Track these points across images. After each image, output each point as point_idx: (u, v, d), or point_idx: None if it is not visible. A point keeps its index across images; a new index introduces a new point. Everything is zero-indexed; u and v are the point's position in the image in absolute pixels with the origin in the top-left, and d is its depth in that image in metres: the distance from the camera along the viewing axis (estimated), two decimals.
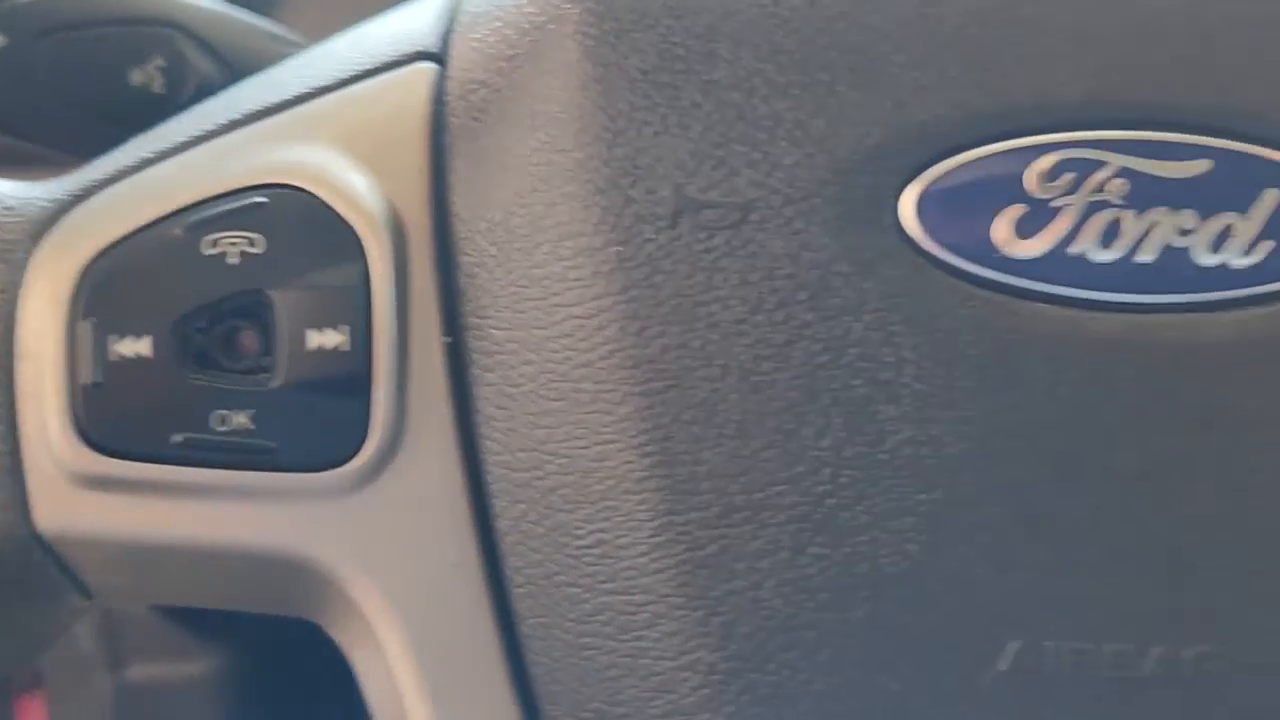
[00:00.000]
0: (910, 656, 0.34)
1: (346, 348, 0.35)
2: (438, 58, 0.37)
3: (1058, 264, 0.33)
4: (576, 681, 0.36)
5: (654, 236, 0.34)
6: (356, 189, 0.35)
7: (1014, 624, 0.34)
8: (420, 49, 0.38)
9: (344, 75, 0.38)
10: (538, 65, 0.35)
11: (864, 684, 0.34)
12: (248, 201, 0.35)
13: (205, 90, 0.45)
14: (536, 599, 0.36)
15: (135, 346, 0.35)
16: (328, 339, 0.35)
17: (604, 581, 0.35)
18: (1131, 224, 0.33)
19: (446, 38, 0.38)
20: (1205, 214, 0.33)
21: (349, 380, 0.35)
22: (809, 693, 0.34)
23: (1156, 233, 0.33)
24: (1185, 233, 0.33)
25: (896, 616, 0.34)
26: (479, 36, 0.37)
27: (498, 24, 0.36)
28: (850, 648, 0.34)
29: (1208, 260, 0.33)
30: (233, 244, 0.35)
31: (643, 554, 0.34)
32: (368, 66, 0.38)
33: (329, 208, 0.35)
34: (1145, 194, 0.33)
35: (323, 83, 0.38)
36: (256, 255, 0.35)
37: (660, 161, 0.34)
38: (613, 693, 0.35)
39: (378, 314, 0.35)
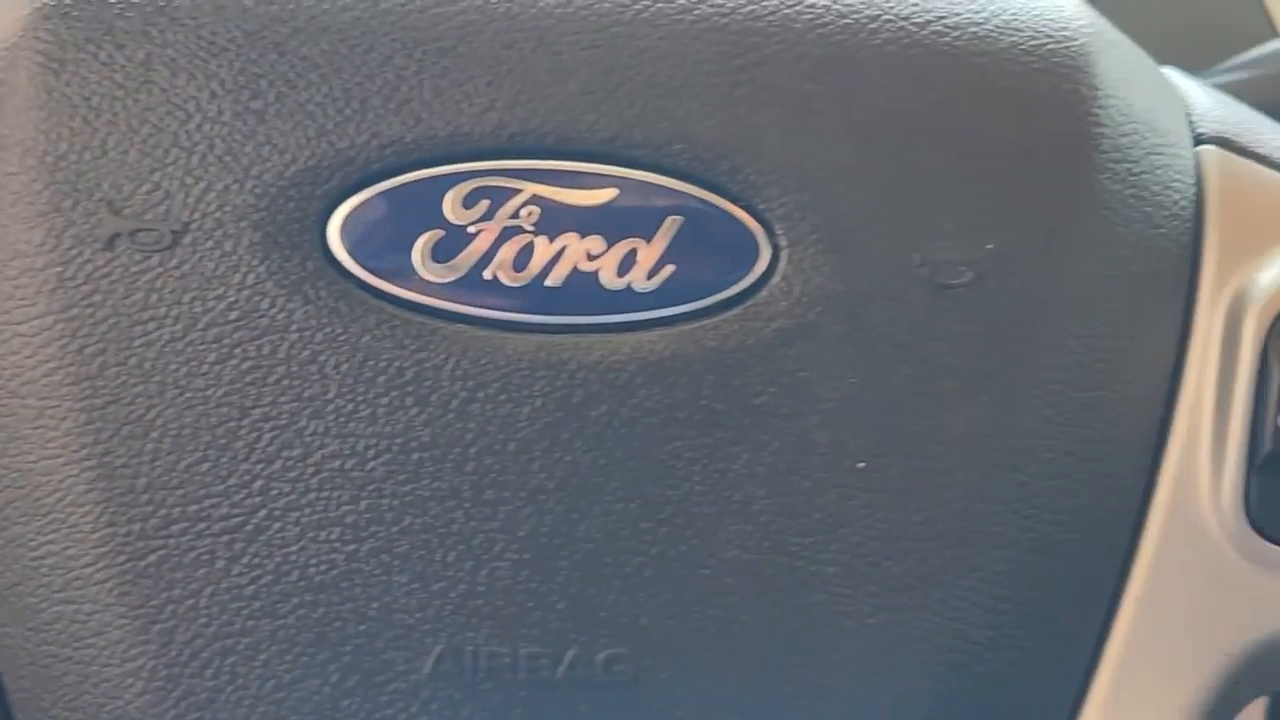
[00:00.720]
0: (341, 660, 0.35)
1: None
2: None
3: (473, 287, 0.35)
4: (40, 688, 0.37)
5: (92, 258, 0.35)
6: None
7: (437, 629, 0.35)
8: None
9: None
10: None
11: (299, 686, 0.35)
12: None
13: None
14: (3, 610, 0.37)
15: None
16: None
17: (57, 591, 0.36)
18: (543, 249, 0.35)
19: None
20: (612, 240, 0.35)
21: None
22: (247, 696, 0.35)
23: (566, 257, 0.35)
24: (593, 257, 0.35)
25: (327, 622, 0.35)
26: None
27: None
28: (284, 652, 0.35)
29: (614, 284, 0.35)
30: None
31: (88, 564, 0.36)
32: None
33: None
34: (556, 220, 0.35)
35: None
36: None
37: (99, 185, 0.35)
38: (70, 698, 0.36)
39: None
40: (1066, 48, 0.37)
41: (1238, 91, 0.55)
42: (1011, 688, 0.37)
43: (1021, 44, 0.37)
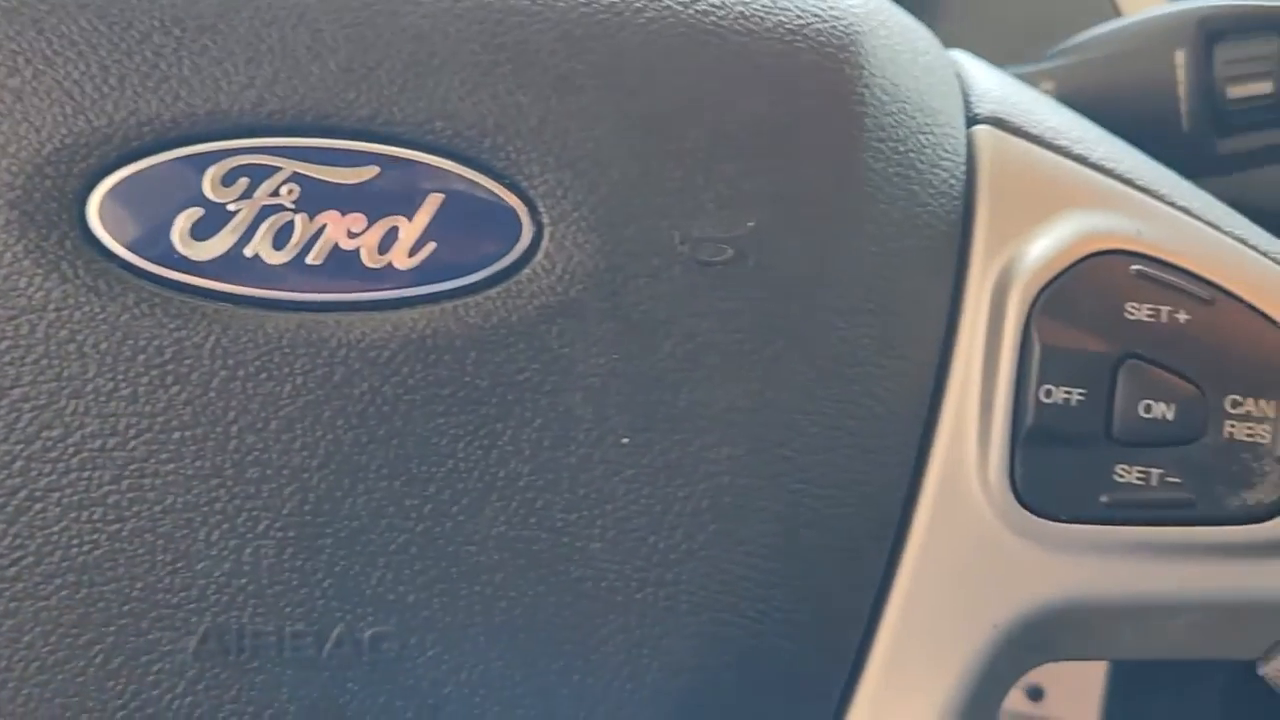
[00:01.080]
0: (105, 641, 0.35)
1: None
2: None
3: (234, 265, 0.35)
4: None
5: None
6: None
7: (201, 609, 0.35)
8: None
9: None
10: None
11: (63, 668, 0.35)
12: None
13: None
14: None
15: None
16: None
17: None
18: (303, 227, 0.35)
19: None
20: (373, 218, 0.35)
21: None
22: (10, 678, 0.35)
23: (326, 235, 0.35)
24: (353, 235, 0.35)
25: (91, 603, 0.35)
26: None
27: None
28: (48, 634, 0.35)
29: (375, 262, 0.35)
30: None
31: None
32: None
33: None
34: (316, 198, 0.35)
35: None
36: None
37: None
38: None
39: None
40: (833, 26, 0.37)
41: (1060, 77, 0.56)
42: (784, 660, 0.37)
43: (788, 23, 0.37)
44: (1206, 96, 0.52)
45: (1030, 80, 0.56)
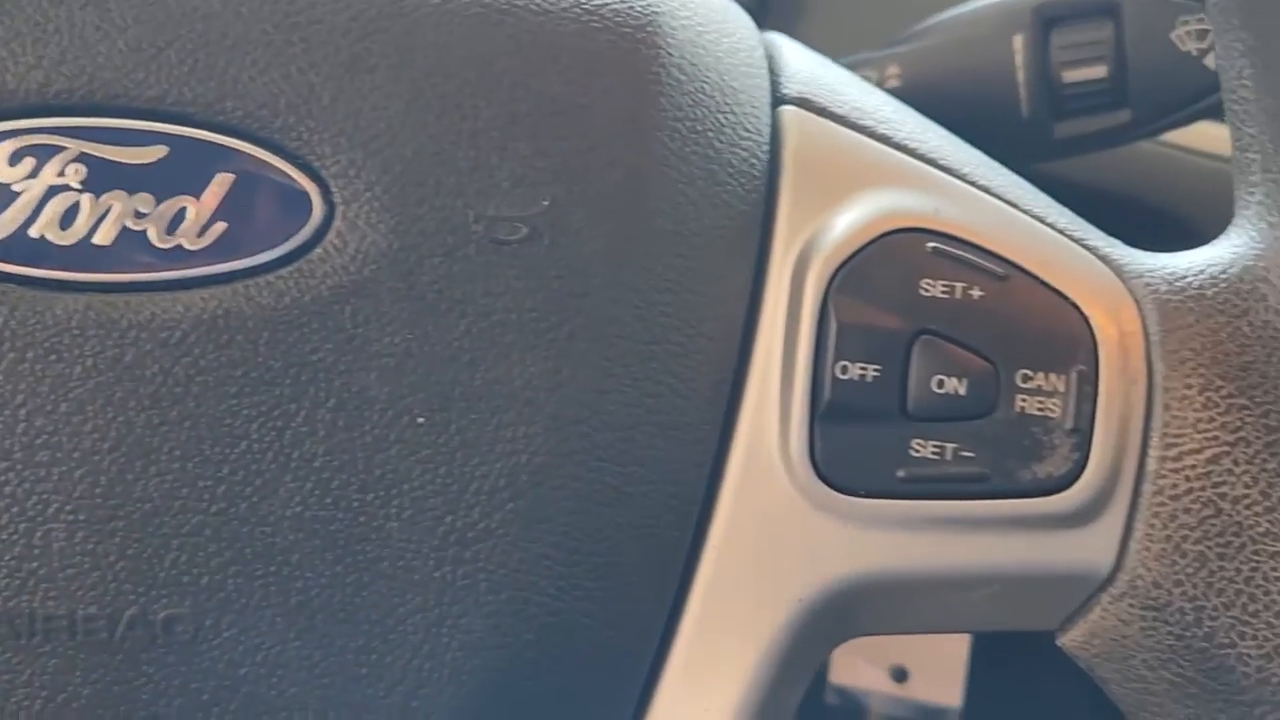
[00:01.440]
0: None
1: None
2: None
3: (20, 246, 0.35)
4: None
5: None
6: None
7: None
8: None
9: None
10: None
11: None
12: None
13: None
14: None
15: None
16: None
17: None
18: (89, 207, 0.35)
19: None
20: (161, 198, 0.35)
21: None
22: None
23: (113, 216, 0.35)
24: (141, 215, 0.35)
25: None
26: None
27: None
28: None
29: (164, 242, 0.35)
30: None
31: None
32: None
33: None
34: (103, 178, 0.35)
35: None
36: None
37: None
38: None
39: None
40: (630, 6, 0.38)
41: (904, 62, 0.56)
42: (586, 637, 0.37)
43: (584, 2, 0.37)
44: (1043, 81, 0.53)
45: (877, 65, 0.56)
